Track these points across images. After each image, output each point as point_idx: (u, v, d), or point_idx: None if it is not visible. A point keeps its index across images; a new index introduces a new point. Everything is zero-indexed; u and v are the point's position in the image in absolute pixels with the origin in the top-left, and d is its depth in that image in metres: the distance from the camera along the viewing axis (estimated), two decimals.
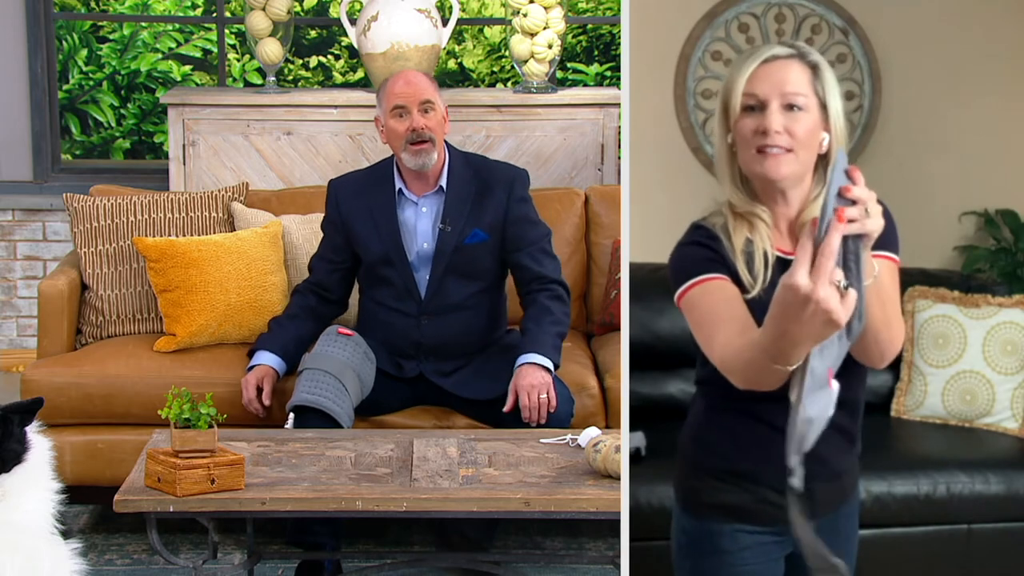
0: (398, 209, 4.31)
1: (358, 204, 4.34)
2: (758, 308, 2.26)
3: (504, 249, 4.32)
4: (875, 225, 2.05)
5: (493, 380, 4.23)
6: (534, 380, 4.08)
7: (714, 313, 2.30)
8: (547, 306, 4.24)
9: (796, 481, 2.34)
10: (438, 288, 4.29)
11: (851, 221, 2.01)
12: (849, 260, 2.05)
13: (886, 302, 2.28)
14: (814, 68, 2.38)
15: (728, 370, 2.25)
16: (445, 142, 4.34)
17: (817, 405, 2.13)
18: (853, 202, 2.02)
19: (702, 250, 2.38)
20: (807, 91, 2.36)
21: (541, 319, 4.22)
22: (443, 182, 4.31)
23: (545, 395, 4.07)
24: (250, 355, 4.38)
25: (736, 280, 2.35)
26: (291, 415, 4.09)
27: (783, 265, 2.34)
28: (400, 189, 4.32)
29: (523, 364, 4.12)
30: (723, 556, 2.45)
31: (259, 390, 4.25)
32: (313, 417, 4.05)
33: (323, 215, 4.49)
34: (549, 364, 4.13)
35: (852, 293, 1.92)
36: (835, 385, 2.18)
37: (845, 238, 2.03)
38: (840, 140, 2.39)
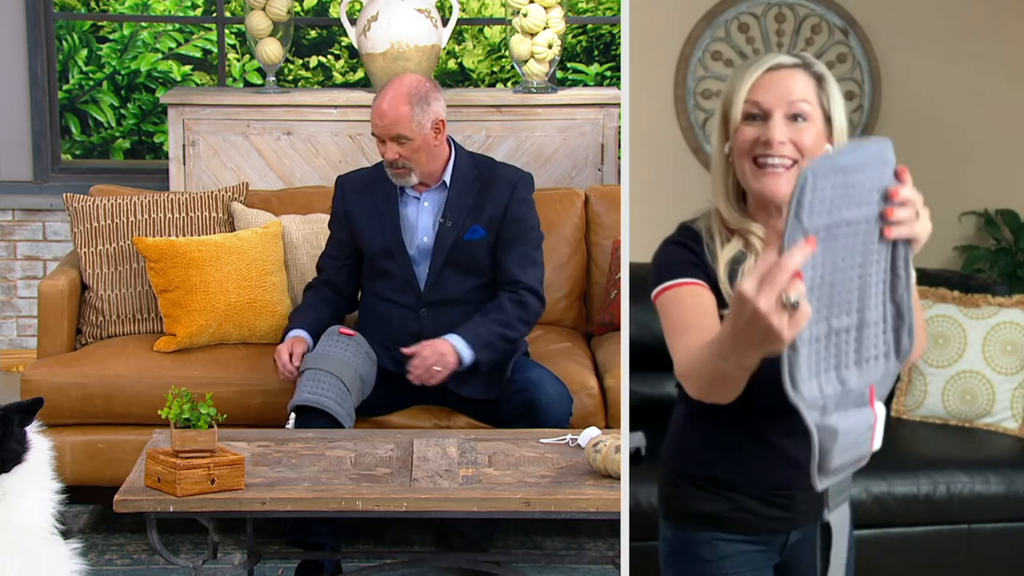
0: (400, 204, 4.36)
1: (363, 199, 4.39)
2: None
3: (497, 246, 4.34)
4: (924, 228, 1.95)
5: (492, 379, 4.24)
6: (441, 349, 4.15)
7: (682, 321, 2.25)
8: (503, 306, 4.27)
9: (829, 515, 2.27)
10: (437, 280, 4.32)
11: (899, 224, 1.91)
12: (899, 266, 1.95)
13: None
14: (819, 79, 2.32)
15: (684, 375, 2.18)
16: (452, 141, 4.39)
17: (847, 420, 1.97)
18: (902, 203, 1.91)
19: (684, 252, 2.34)
20: (812, 101, 2.30)
21: (489, 312, 4.26)
22: (447, 178, 4.35)
23: (439, 369, 4.14)
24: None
25: (715, 287, 2.30)
26: (292, 415, 4.09)
27: None
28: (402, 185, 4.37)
29: (442, 339, 4.18)
30: (703, 565, 2.42)
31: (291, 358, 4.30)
32: (314, 417, 4.05)
33: (326, 214, 4.55)
34: (467, 353, 4.17)
35: (803, 310, 1.78)
36: (879, 409, 2.04)
37: (895, 242, 1.93)
38: None
